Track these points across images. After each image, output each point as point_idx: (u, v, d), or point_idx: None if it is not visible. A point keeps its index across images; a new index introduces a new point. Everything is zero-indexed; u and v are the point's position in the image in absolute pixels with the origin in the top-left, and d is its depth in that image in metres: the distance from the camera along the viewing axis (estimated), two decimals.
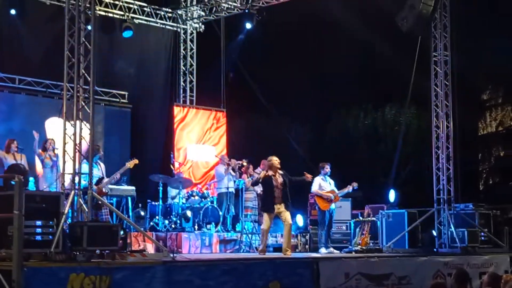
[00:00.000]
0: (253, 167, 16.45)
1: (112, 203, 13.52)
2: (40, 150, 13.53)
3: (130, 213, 14.45)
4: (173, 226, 14.82)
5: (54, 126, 15.03)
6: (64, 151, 10.41)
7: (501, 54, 22.45)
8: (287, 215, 12.97)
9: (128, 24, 17.91)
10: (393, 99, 25.21)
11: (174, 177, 15.89)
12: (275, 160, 13.13)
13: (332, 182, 14.66)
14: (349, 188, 14.72)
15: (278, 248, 14.68)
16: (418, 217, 14.99)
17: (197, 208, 15.23)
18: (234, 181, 16.10)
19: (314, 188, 14.51)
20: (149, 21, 18.83)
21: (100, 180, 12.85)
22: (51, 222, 9.23)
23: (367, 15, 19.25)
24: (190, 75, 19.55)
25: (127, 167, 13.62)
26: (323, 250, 14.26)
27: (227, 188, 15.93)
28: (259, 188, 16.25)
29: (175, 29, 19.52)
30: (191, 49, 19.66)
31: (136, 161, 13.78)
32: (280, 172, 13.09)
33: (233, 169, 16.19)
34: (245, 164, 16.23)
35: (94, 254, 9.34)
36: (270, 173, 13.04)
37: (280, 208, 12.91)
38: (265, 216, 13.12)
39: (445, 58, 15.36)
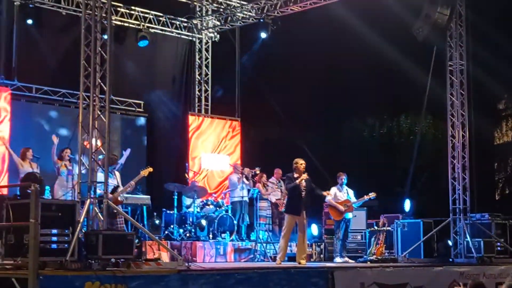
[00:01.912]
0: (266, 176, 16.45)
1: (127, 212, 13.58)
2: (56, 158, 13.65)
3: (145, 222, 14.49)
4: (188, 235, 14.85)
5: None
6: (80, 160, 10.47)
7: None
8: (305, 223, 12.96)
9: (144, 34, 18.01)
10: (408, 108, 25.12)
11: (189, 186, 15.93)
12: (300, 163, 13.10)
13: (351, 192, 14.64)
14: (365, 198, 14.68)
15: (293, 257, 14.65)
16: (434, 227, 14.92)
17: (212, 217, 15.24)
18: (248, 190, 16.12)
19: (328, 197, 14.50)
20: (165, 30, 18.93)
21: (115, 188, 12.90)
22: (66, 231, 9.29)
23: (383, 24, 19.23)
24: (205, 84, 19.60)
25: (141, 176, 13.67)
26: (338, 260, 14.22)
27: (242, 197, 15.96)
28: (274, 197, 16.26)
29: (190, 38, 19.60)
30: (206, 58, 19.72)
31: (150, 169, 13.83)
32: (305, 176, 13.03)
33: (247, 178, 16.21)
34: (258, 172, 16.22)
35: (109, 262, 9.35)
36: (305, 177, 12.98)
37: (302, 213, 12.90)
38: (288, 219, 13.03)
39: (461, 68, 15.32)
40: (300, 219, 12.95)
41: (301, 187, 12.94)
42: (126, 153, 14.16)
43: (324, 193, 13.61)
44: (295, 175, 13.03)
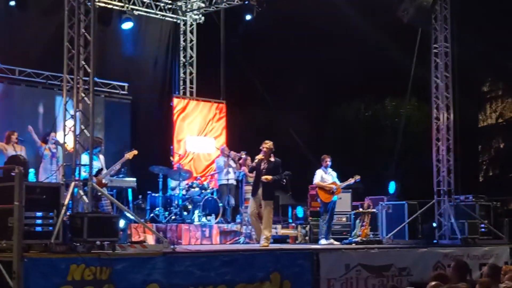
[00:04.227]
0: (251, 159, 16.44)
1: (113, 195, 13.54)
2: (40, 142, 13.60)
3: (131, 205, 14.46)
4: (173, 217, 14.85)
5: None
6: (64, 142, 10.42)
7: (501, 45, 22.40)
8: (263, 204, 12.72)
9: (128, 16, 17.87)
10: (393, 91, 25.16)
11: (174, 169, 15.91)
12: (263, 143, 12.87)
13: (334, 174, 14.67)
14: (350, 181, 14.73)
15: (278, 239, 14.70)
16: (418, 209, 15.01)
17: (197, 200, 15.24)
18: (235, 173, 16.12)
19: (316, 180, 14.54)
20: (149, 12, 18.79)
21: (99, 171, 12.87)
22: (51, 213, 9.23)
23: (368, 6, 19.19)
24: (190, 67, 19.52)
25: (126, 158, 13.67)
26: (323, 242, 14.27)
27: (228, 180, 15.96)
28: None
29: (175, 20, 19.49)
30: (191, 40, 19.62)
31: (135, 152, 13.81)
32: (271, 159, 12.87)
33: (234, 161, 16.20)
34: (243, 156, 16.21)
35: (94, 245, 9.33)
36: (260, 157, 12.82)
37: (259, 194, 12.73)
38: (250, 201, 12.98)
39: (446, 50, 15.34)
40: (259, 201, 12.79)
41: (261, 169, 12.77)
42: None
43: (263, 178, 12.75)
44: (260, 157, 12.84)
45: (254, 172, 13.10)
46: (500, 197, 17.33)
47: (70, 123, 10.33)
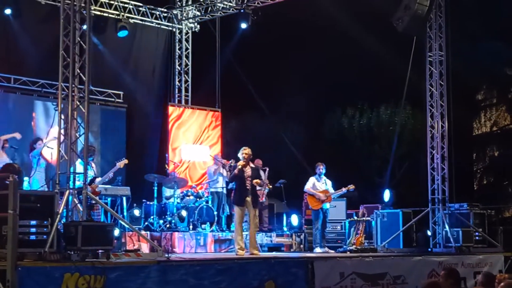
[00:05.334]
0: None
1: (107, 203, 13.53)
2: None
3: (125, 213, 14.44)
4: (168, 226, 14.83)
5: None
6: (59, 150, 10.41)
7: (495, 54, 22.50)
8: (254, 213, 12.66)
9: (123, 24, 17.89)
10: (388, 99, 25.26)
11: (169, 177, 15.91)
12: (242, 152, 12.78)
13: (329, 182, 14.66)
14: (343, 190, 14.72)
15: (272, 248, 14.69)
16: (413, 217, 15.02)
17: (192, 208, 15.24)
18: (226, 182, 16.13)
19: (306, 186, 14.58)
20: (145, 21, 18.81)
21: (93, 180, 12.87)
22: (45, 222, 9.22)
23: (363, 15, 19.28)
24: (185, 75, 19.53)
25: (117, 167, 13.68)
26: (318, 250, 14.27)
27: (217, 188, 15.97)
28: None
29: (170, 29, 19.50)
30: (187, 49, 19.64)
31: (126, 160, 13.86)
32: (252, 165, 12.85)
33: (225, 169, 16.21)
34: (232, 165, 16.18)
35: (88, 253, 9.33)
36: (242, 163, 12.74)
37: (248, 202, 12.65)
38: (236, 210, 12.82)
39: (440, 58, 15.39)
40: (248, 210, 12.71)
41: (245, 176, 12.69)
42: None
43: (255, 182, 12.81)
44: (241, 163, 12.74)
45: (235, 180, 12.97)
46: (495, 205, 17.36)
47: (64, 131, 10.33)
